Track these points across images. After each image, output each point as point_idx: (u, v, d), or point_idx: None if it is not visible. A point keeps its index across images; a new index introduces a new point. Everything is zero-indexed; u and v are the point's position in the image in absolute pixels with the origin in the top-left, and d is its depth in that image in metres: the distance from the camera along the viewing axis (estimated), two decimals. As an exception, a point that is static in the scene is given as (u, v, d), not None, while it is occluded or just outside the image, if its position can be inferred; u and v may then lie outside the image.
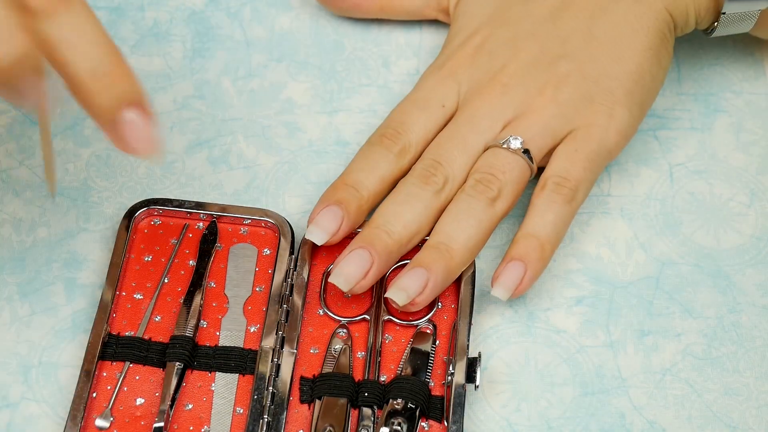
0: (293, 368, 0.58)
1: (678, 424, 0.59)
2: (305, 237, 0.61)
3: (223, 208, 0.63)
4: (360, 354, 0.60)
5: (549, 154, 0.63)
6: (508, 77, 0.63)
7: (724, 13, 0.64)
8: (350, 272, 0.59)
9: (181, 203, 0.63)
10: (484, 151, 0.62)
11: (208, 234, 0.63)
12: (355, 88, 0.69)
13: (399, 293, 0.59)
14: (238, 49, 0.70)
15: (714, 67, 0.70)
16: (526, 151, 0.62)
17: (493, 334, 0.62)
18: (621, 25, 0.64)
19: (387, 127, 0.63)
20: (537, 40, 0.64)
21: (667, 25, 0.65)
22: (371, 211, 0.62)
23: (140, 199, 0.64)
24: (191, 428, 0.57)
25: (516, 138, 0.62)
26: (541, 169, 0.63)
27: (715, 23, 0.65)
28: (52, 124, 0.55)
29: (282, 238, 0.62)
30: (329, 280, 0.59)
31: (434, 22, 0.71)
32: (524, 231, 0.61)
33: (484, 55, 0.64)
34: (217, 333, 0.60)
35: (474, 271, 0.61)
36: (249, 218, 0.63)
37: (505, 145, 0.62)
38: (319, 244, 0.61)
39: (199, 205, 0.63)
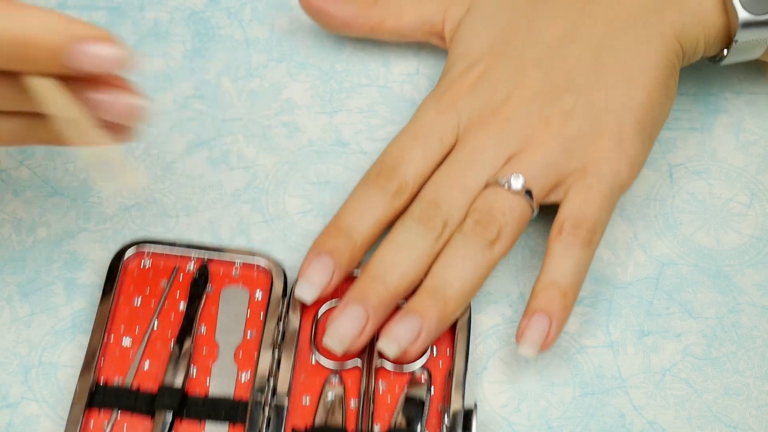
0: (285, 420, 0.57)
1: (678, 424, 0.59)
2: (294, 293, 0.59)
3: (215, 249, 0.62)
4: (353, 403, 0.58)
5: (552, 189, 0.61)
6: (510, 110, 0.61)
7: (736, 41, 0.62)
8: (345, 333, 0.57)
9: (172, 243, 0.62)
10: (485, 187, 0.60)
11: (199, 277, 0.61)
12: (355, 88, 0.69)
13: (390, 345, 0.57)
14: (238, 49, 0.70)
15: (714, 67, 0.70)
16: (528, 192, 0.59)
17: (493, 334, 0.62)
18: (630, 55, 0.61)
19: (383, 165, 0.61)
20: (542, 70, 0.62)
21: (676, 55, 0.62)
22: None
23: (139, 200, 0.63)
24: None
25: (518, 177, 0.59)
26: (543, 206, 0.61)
27: (725, 51, 0.64)
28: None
29: (275, 281, 0.61)
30: (323, 342, 0.57)
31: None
32: (545, 281, 0.58)
33: (486, 85, 0.62)
34: (207, 381, 0.58)
35: (470, 316, 0.60)
36: (241, 260, 0.62)
37: (506, 185, 0.59)
38: (308, 303, 0.59)
39: (191, 246, 0.62)
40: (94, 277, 0.63)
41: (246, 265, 0.62)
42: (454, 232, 0.59)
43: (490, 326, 0.62)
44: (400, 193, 0.60)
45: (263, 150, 0.67)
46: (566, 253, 0.58)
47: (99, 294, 0.62)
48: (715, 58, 0.65)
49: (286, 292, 0.61)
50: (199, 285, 0.61)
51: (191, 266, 0.62)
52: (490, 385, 0.60)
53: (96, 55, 0.46)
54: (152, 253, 0.62)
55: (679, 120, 0.68)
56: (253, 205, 0.65)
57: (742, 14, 0.61)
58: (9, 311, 0.62)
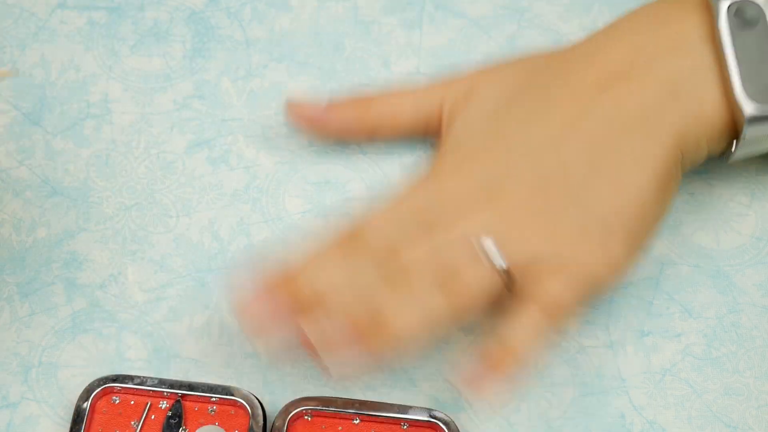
0: None
1: (678, 424, 0.59)
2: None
3: (189, 385, 0.59)
4: None
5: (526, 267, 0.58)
6: (498, 195, 0.59)
7: (744, 138, 0.59)
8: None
9: (142, 381, 0.59)
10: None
11: (172, 416, 0.58)
12: (355, 88, 0.69)
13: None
14: (238, 49, 0.70)
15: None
16: (508, 273, 0.57)
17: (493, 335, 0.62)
18: (626, 159, 0.59)
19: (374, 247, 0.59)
20: (535, 166, 0.59)
21: (675, 162, 0.60)
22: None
23: (139, 200, 0.63)
24: None
25: (500, 256, 0.57)
26: None
27: (733, 146, 0.60)
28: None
29: (252, 421, 0.58)
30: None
31: (434, 24, 0.71)
32: (505, 344, 0.57)
33: (477, 172, 0.60)
34: None
35: None
36: (216, 397, 0.59)
37: (488, 255, 0.57)
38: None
39: (162, 382, 0.59)
40: (94, 276, 0.63)
41: (222, 402, 0.59)
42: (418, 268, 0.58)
43: (490, 326, 0.62)
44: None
45: (263, 150, 0.67)
46: (537, 331, 0.57)
47: (99, 293, 0.62)
48: (723, 156, 0.62)
49: (266, 429, 0.58)
50: (172, 426, 0.58)
51: (164, 403, 0.59)
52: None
53: None
54: (122, 388, 0.59)
55: (679, 120, 0.68)
56: (253, 205, 0.65)
57: (749, 108, 0.58)
58: (9, 311, 0.62)
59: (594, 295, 0.59)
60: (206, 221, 0.65)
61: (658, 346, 0.61)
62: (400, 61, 0.70)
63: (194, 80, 0.69)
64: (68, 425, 0.58)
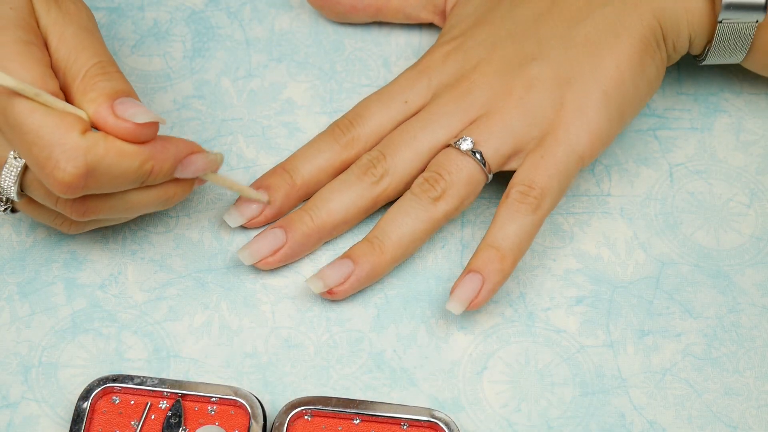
0: None
1: (678, 424, 0.59)
2: (224, 218, 0.63)
3: (189, 385, 0.58)
4: None
5: (511, 157, 0.62)
6: (476, 76, 0.62)
7: (720, 22, 0.61)
8: (259, 248, 0.61)
9: (142, 381, 0.58)
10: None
11: (172, 416, 0.58)
12: (355, 88, 0.69)
13: (316, 282, 0.60)
14: (238, 49, 0.70)
15: (714, 67, 0.70)
16: (478, 153, 0.61)
17: (493, 334, 0.62)
18: (603, 30, 0.62)
19: (343, 118, 0.64)
20: (515, 41, 0.63)
21: (654, 35, 0.62)
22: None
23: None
24: None
25: (466, 139, 0.61)
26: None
27: (707, 47, 0.63)
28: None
29: (253, 421, 0.57)
30: (237, 253, 0.62)
31: (434, 24, 0.71)
32: (485, 242, 0.60)
33: (460, 54, 0.64)
34: None
35: None
36: (216, 397, 0.58)
37: (456, 145, 0.61)
38: (232, 227, 0.63)
39: (162, 382, 0.58)
40: (94, 276, 0.63)
41: (223, 402, 0.58)
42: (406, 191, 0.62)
43: (490, 326, 0.62)
44: (351, 145, 0.63)
45: (263, 150, 0.67)
46: (510, 217, 0.60)
47: (99, 293, 0.62)
48: (699, 57, 0.65)
49: (266, 429, 0.58)
50: (172, 425, 0.58)
51: (164, 403, 0.58)
52: (490, 385, 0.60)
53: (193, 168, 0.57)
54: (122, 388, 0.58)
55: (679, 120, 0.68)
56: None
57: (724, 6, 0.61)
58: (9, 311, 0.62)
59: (577, 169, 0.61)
60: (206, 221, 0.65)
61: (658, 346, 0.61)
62: (400, 61, 0.70)
63: (194, 80, 0.69)
64: (68, 425, 0.58)
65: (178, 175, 0.57)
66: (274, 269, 0.63)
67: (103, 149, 0.54)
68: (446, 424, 0.57)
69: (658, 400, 0.60)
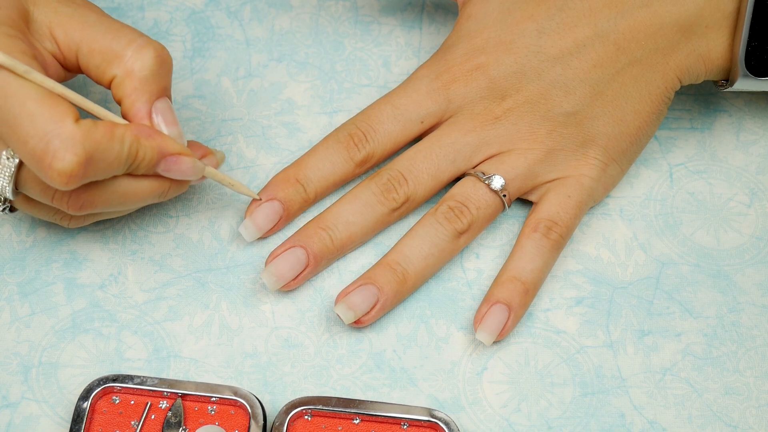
0: None
1: (678, 424, 0.59)
2: (239, 229, 0.62)
3: (189, 385, 0.58)
4: None
5: (526, 192, 0.63)
6: (502, 111, 0.62)
7: (726, 86, 0.64)
8: (283, 272, 0.61)
9: (142, 381, 0.58)
10: (461, 176, 0.62)
11: (172, 416, 0.58)
12: (355, 88, 0.69)
13: (347, 312, 0.60)
14: (238, 49, 0.70)
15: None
16: (506, 194, 0.62)
17: (493, 334, 0.62)
18: (629, 88, 0.62)
19: (356, 128, 0.63)
20: (542, 82, 0.62)
21: (674, 89, 0.63)
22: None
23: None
24: None
25: (499, 178, 0.61)
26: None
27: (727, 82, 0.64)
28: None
29: (252, 421, 0.57)
30: (261, 276, 0.61)
31: (434, 24, 0.71)
32: (511, 273, 0.61)
33: (485, 79, 0.63)
34: None
35: None
36: (216, 397, 0.58)
37: (486, 181, 0.61)
38: (248, 241, 0.62)
39: (162, 382, 0.58)
40: (94, 276, 0.63)
41: (223, 402, 0.59)
42: (427, 214, 0.62)
43: (490, 326, 0.62)
44: (365, 163, 0.63)
45: (263, 150, 0.67)
46: (537, 252, 0.61)
47: (99, 293, 0.62)
48: (718, 84, 0.65)
49: (266, 430, 0.58)
50: (172, 425, 0.58)
51: (164, 403, 0.59)
52: (490, 385, 0.60)
53: (177, 168, 0.58)
54: (122, 388, 0.58)
55: (679, 120, 0.68)
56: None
57: (742, 75, 0.62)
58: (9, 311, 0.62)
59: (587, 210, 0.63)
60: (206, 221, 0.65)
61: (658, 345, 0.61)
62: (400, 61, 0.70)
63: (194, 80, 0.69)
64: (68, 425, 0.58)
65: (161, 171, 0.57)
66: None
67: (98, 135, 0.54)
68: (446, 424, 0.57)
69: (658, 400, 0.60)
